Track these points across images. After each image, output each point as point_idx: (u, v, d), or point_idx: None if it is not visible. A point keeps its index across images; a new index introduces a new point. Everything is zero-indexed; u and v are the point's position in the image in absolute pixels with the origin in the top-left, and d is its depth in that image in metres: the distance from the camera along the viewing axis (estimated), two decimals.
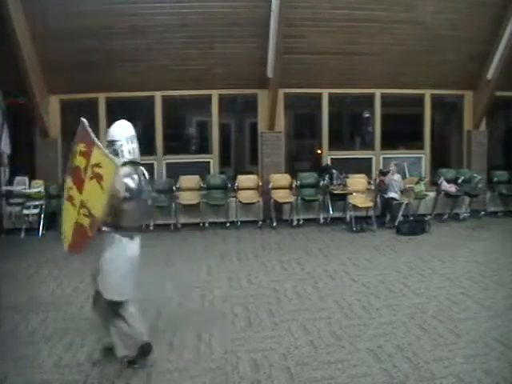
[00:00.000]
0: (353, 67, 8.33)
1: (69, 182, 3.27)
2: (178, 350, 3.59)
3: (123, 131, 3.25)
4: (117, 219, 3.16)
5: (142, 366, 3.28)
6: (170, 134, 9.12)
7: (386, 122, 9.03)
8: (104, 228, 3.18)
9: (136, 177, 3.21)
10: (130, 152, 3.21)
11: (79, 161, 3.14)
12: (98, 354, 3.44)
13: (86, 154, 3.07)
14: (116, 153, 3.17)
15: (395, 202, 8.02)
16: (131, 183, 3.15)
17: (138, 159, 3.28)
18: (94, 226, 3.03)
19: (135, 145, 3.27)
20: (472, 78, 8.78)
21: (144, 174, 3.36)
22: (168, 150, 8.71)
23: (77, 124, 3.23)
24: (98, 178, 2.96)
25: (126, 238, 3.21)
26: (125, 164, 3.17)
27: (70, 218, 3.23)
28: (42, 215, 7.71)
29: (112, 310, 3.22)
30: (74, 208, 3.17)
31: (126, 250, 3.20)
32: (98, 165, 2.97)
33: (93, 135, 3.05)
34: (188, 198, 8.16)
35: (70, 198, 3.22)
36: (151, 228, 7.97)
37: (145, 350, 3.28)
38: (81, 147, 3.15)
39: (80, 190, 3.11)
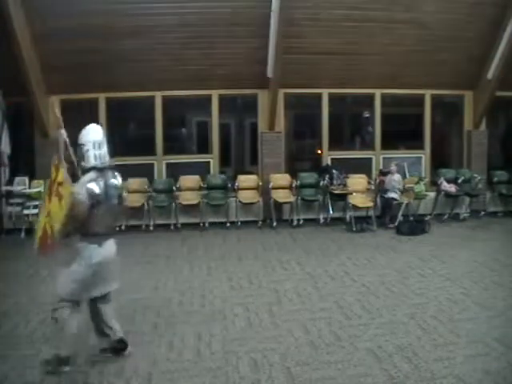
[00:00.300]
0: (353, 67, 8.32)
1: (47, 186, 3.32)
2: (177, 350, 3.59)
3: (91, 136, 3.23)
4: (84, 227, 3.15)
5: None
6: (170, 134, 9.14)
7: (386, 122, 9.03)
8: (75, 236, 3.19)
9: (102, 182, 3.19)
10: (95, 158, 3.19)
11: (53, 172, 3.19)
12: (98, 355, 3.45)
13: (56, 169, 3.12)
14: (82, 157, 3.18)
15: (395, 202, 8.02)
16: (96, 189, 3.13)
17: (105, 164, 3.25)
18: (54, 237, 3.06)
19: (103, 150, 3.23)
20: (472, 78, 8.78)
21: (116, 178, 3.35)
22: (168, 150, 8.72)
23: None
24: (60, 196, 3.01)
25: (94, 245, 3.18)
26: (89, 170, 3.17)
27: (41, 219, 3.27)
28: None
29: (59, 306, 3.21)
30: (44, 212, 3.22)
31: (90, 258, 3.16)
32: (60, 183, 3.02)
33: (62, 153, 3.06)
34: (188, 197, 8.15)
35: (44, 202, 3.27)
36: (151, 228, 7.98)
37: (116, 347, 3.37)
38: (56, 159, 3.18)
39: (49, 199, 3.17)
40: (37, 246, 3.29)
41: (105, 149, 3.25)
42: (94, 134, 3.24)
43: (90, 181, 3.12)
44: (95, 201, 3.12)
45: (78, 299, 3.22)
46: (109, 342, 3.42)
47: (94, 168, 3.18)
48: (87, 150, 3.18)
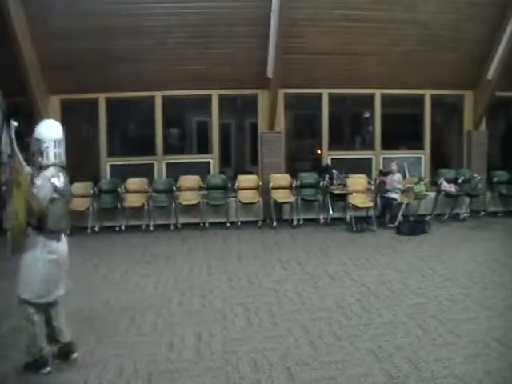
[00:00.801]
0: (353, 67, 8.32)
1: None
2: (177, 350, 3.59)
3: (52, 133, 3.22)
4: (42, 221, 3.12)
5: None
6: (170, 134, 9.14)
7: (386, 122, 9.03)
8: (29, 230, 3.16)
9: (62, 178, 3.20)
10: (55, 156, 3.19)
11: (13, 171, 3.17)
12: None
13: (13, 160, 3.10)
14: (41, 153, 3.17)
15: (395, 202, 8.02)
16: (58, 183, 3.14)
17: (62, 163, 3.26)
18: (20, 232, 3.05)
19: (62, 149, 3.24)
20: (472, 78, 8.78)
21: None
22: (168, 150, 8.72)
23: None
24: (18, 184, 2.99)
25: (53, 241, 3.17)
26: (49, 166, 3.17)
27: (14, 222, 3.24)
28: None
29: (23, 310, 3.18)
30: (14, 215, 3.20)
31: (49, 253, 3.14)
32: (17, 171, 3.00)
33: (14, 141, 3.05)
34: (188, 197, 8.15)
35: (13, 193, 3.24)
36: (151, 228, 7.97)
37: (63, 351, 3.30)
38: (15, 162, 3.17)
39: (13, 194, 3.16)
40: (10, 247, 3.27)
41: (63, 148, 3.26)
42: (55, 132, 3.24)
43: (52, 176, 3.13)
44: (56, 196, 3.13)
45: (44, 301, 3.18)
46: (58, 345, 3.33)
47: (53, 165, 3.18)
48: (47, 148, 3.17)
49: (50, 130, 3.24)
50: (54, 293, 3.24)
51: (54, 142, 3.20)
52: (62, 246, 3.26)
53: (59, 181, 3.17)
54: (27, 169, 3.03)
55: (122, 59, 7.67)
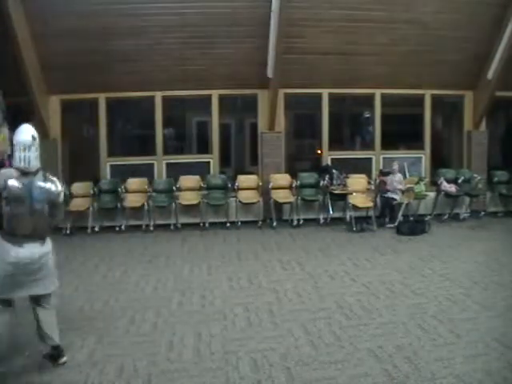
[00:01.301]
0: (353, 67, 8.32)
1: None
2: (177, 350, 3.59)
3: (20, 137, 3.17)
4: (1, 223, 3.09)
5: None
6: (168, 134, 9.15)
7: (386, 122, 9.03)
8: None
9: (26, 181, 3.11)
10: (20, 160, 3.11)
11: None
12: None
13: None
14: (13, 156, 3.18)
15: (395, 202, 8.02)
16: (15, 184, 3.06)
17: (29, 169, 3.13)
18: None
19: (31, 153, 3.13)
20: (472, 78, 8.78)
21: (53, 182, 3.28)
22: (168, 150, 8.74)
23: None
24: None
25: (11, 244, 3.08)
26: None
27: None
28: None
29: None
30: None
31: (7, 255, 3.07)
32: None
33: None
34: (188, 197, 8.15)
35: None
36: (151, 228, 7.98)
37: (52, 354, 3.32)
38: None
39: None
40: None
41: (33, 153, 3.15)
42: (23, 136, 3.16)
43: (11, 176, 3.08)
44: (13, 197, 3.06)
45: (5, 297, 3.13)
46: (46, 347, 3.33)
47: (17, 169, 3.13)
48: (15, 151, 3.14)
49: (19, 133, 3.19)
50: (16, 291, 3.15)
51: (20, 145, 3.12)
52: (25, 252, 3.10)
53: (18, 183, 3.07)
54: (4, 130, 2.99)
55: (122, 59, 7.67)
